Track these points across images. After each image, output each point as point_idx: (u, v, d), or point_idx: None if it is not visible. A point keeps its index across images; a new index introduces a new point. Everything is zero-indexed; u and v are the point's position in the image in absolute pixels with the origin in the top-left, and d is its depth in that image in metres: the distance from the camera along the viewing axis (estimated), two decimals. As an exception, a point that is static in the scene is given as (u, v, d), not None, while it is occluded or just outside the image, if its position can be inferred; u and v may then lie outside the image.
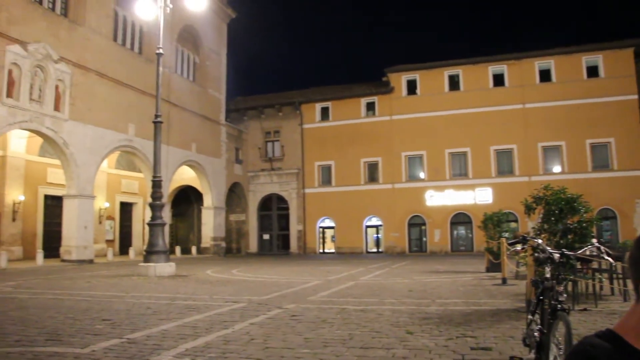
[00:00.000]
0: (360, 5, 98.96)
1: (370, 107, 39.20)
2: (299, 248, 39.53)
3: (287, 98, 41.72)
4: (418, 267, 20.15)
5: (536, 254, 4.41)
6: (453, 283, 12.45)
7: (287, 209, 40.44)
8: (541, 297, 4.19)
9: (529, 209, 9.31)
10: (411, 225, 37.56)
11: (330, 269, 18.52)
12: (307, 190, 39.83)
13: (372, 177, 38.74)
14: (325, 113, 40.32)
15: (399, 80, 38.11)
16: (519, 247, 5.22)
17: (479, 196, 35.55)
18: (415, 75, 37.91)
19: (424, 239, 37.21)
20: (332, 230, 39.92)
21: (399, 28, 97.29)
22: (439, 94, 37.09)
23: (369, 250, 38.63)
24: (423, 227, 37.21)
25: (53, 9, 24.29)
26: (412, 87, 38.17)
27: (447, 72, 37.21)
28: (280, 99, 42.00)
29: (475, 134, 35.74)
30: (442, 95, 37.05)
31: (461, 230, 36.80)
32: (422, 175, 37.54)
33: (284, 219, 40.84)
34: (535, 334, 4.08)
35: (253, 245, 40.79)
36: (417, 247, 37.44)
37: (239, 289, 11.04)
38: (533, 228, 8.23)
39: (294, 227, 39.94)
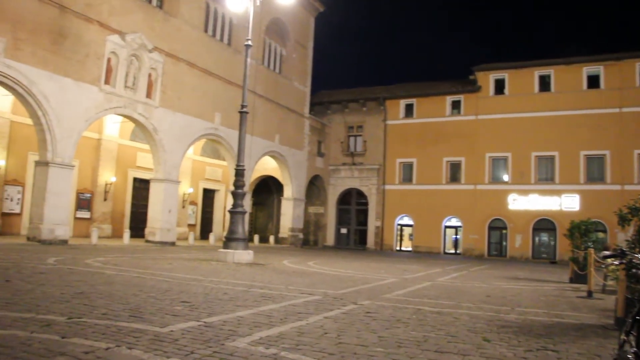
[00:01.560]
0: (447, 1, 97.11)
1: (456, 105, 38.45)
2: (376, 244, 39.41)
3: (371, 93, 41.59)
4: (497, 272, 19.62)
5: (634, 270, 4.09)
6: (534, 292, 12.04)
7: (366, 204, 40.40)
8: (638, 317, 3.90)
9: (623, 220, 8.76)
10: (491, 228, 36.63)
11: (407, 268, 18.34)
12: (387, 187, 39.62)
13: (454, 177, 38.03)
14: (409, 110, 39.92)
15: (487, 79, 37.17)
16: (615, 261, 4.85)
17: (565, 203, 34.19)
18: (504, 75, 36.85)
19: (504, 243, 36.20)
20: (410, 228, 39.56)
21: (486, 26, 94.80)
22: (528, 94, 35.88)
23: (447, 251, 37.98)
24: (504, 231, 36.21)
25: (149, 1, 25.23)
26: (500, 86, 37.13)
27: (537, 72, 35.93)
28: (365, 94, 41.91)
29: (564, 137, 34.35)
30: (532, 96, 35.82)
31: (544, 237, 35.53)
32: (505, 177, 36.50)
33: (363, 214, 40.82)
34: (629, 356, 3.76)
35: (330, 238, 41.01)
36: (497, 251, 36.48)
37: (314, 281, 11.11)
38: (627, 241, 7.75)
39: (372, 223, 39.84)
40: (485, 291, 11.27)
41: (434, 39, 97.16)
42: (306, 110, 38.02)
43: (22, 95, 19.43)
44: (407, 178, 39.41)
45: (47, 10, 20.00)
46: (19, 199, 24.12)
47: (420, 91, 39.87)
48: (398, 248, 39.51)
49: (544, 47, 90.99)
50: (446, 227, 38.19)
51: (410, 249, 38.97)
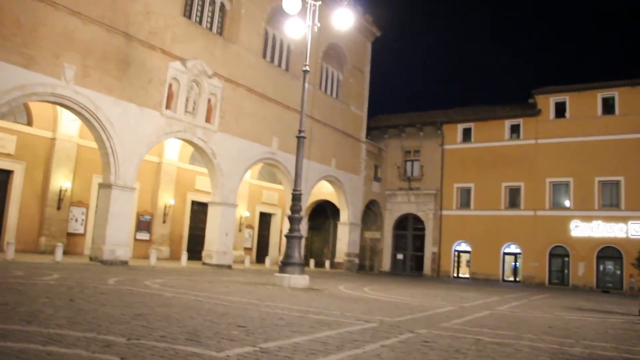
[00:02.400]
0: (503, 25, 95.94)
1: (515, 129, 37.69)
2: (433, 271, 38.76)
3: (428, 117, 41.31)
4: (559, 301, 18.91)
5: None
6: (600, 324, 11.50)
7: (422, 229, 39.87)
8: None
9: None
10: (552, 255, 35.47)
11: (465, 295, 17.90)
12: (445, 212, 39.02)
13: (513, 203, 37.13)
14: (467, 134, 39.39)
15: (547, 102, 36.35)
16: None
17: (633, 230, 32.81)
18: (565, 97, 35.94)
19: (566, 271, 34.96)
20: (467, 254, 38.75)
21: (543, 48, 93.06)
22: (591, 117, 34.84)
23: (506, 278, 36.96)
24: (566, 259, 35.01)
25: (210, 29, 25.90)
26: (560, 109, 36.20)
27: (600, 95, 34.87)
28: (422, 118, 41.65)
29: (630, 161, 33.12)
30: (594, 119, 34.76)
31: (609, 266, 34.12)
32: (567, 203, 35.39)
33: (419, 240, 40.28)
34: None
35: (386, 264, 40.59)
36: (558, 279, 35.25)
37: (371, 307, 10.95)
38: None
39: (429, 249, 39.25)
40: (548, 322, 10.83)
41: (492, 62, 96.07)
42: (363, 134, 38.02)
43: (89, 120, 20.18)
44: (465, 203, 38.73)
45: (114, 39, 20.80)
46: (83, 219, 24.93)
47: (478, 115, 39.33)
48: (455, 275, 38.72)
49: (606, 69, 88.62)
50: (505, 253, 37.23)
51: (467, 275, 38.13)
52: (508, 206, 37.15)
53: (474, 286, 27.10)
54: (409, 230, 40.91)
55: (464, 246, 38.73)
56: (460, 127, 39.52)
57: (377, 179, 40.28)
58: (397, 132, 41.58)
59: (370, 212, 40.19)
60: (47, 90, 18.65)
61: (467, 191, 38.73)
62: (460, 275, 38.84)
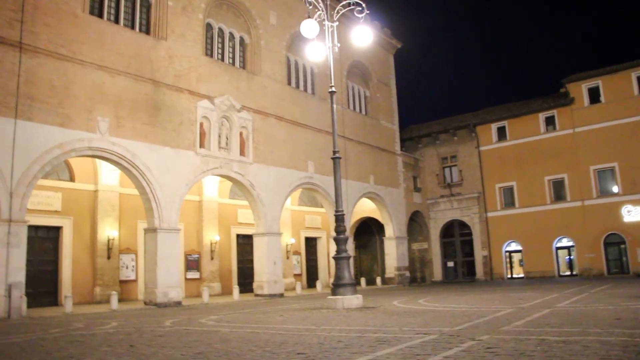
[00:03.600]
0: (524, 18, 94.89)
1: (550, 121, 36.99)
2: (485, 274, 38.06)
3: (461, 121, 40.97)
4: (621, 291, 18.30)
5: None
6: (669, 308, 11.08)
7: (470, 234, 39.31)
8: None
9: None
10: (608, 244, 34.44)
11: (522, 296, 17.49)
12: (490, 214, 38.42)
13: (559, 196, 36.31)
14: (502, 133, 38.85)
15: (579, 89, 35.62)
16: None
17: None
18: (597, 82, 35.14)
19: (624, 259, 33.86)
20: (519, 254, 37.96)
21: (567, 35, 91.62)
22: (627, 98, 33.94)
23: (562, 273, 36.02)
24: (622, 246, 33.95)
25: (233, 64, 26.32)
26: (594, 95, 35.39)
27: (634, 74, 33.95)
28: (454, 122, 41.33)
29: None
30: (631, 100, 33.84)
31: (670, 248, 32.95)
32: (615, 189, 34.41)
33: (468, 245, 39.69)
34: None
35: (437, 273, 40.08)
36: (617, 268, 34.15)
37: (427, 319, 10.79)
38: None
39: (479, 253, 38.63)
40: (613, 313, 10.48)
41: (518, 57, 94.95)
42: (397, 147, 37.89)
43: (127, 168, 20.65)
44: (509, 202, 38.07)
45: (143, 87, 21.33)
46: (133, 266, 25.38)
47: (511, 112, 38.78)
48: (509, 276, 37.93)
49: (637, 46, 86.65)
50: (557, 248, 36.33)
51: (522, 275, 37.31)
52: (554, 200, 36.33)
53: (530, 285, 26.50)
54: (456, 236, 40.38)
55: (514, 246, 37.98)
56: (494, 126, 39.03)
57: (417, 189, 39.98)
58: (431, 140, 41.31)
59: (415, 224, 39.85)
60: (85, 145, 19.20)
61: (509, 190, 38.08)
62: (514, 275, 38.03)
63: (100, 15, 21.08)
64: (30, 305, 18.00)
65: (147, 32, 22.62)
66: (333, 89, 15.98)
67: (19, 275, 17.07)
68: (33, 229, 20.40)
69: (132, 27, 22.19)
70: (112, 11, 21.71)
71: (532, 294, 18.46)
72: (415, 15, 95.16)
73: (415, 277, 39.14)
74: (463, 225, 39.80)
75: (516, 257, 38.45)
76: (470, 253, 39.42)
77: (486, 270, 38.16)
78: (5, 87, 17.42)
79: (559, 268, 36.08)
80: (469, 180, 39.53)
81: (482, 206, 38.74)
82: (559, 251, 36.43)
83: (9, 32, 17.67)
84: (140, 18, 22.61)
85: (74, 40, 19.40)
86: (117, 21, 21.67)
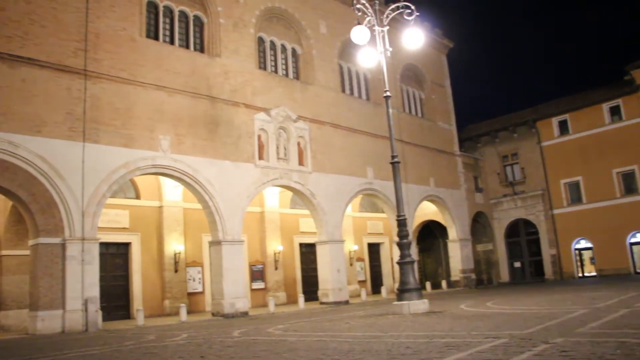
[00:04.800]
0: (579, 8, 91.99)
1: (615, 111, 35.59)
2: (555, 274, 36.93)
3: (520, 118, 40.02)
4: (703, 284, 17.44)
5: None
6: None
7: (536, 233, 38.27)
8: None
9: None
10: (687, 237, 32.84)
11: (595, 295, 16.90)
12: (556, 211, 37.29)
13: (629, 188, 34.85)
14: (563, 127, 37.65)
15: (646, 75, 34.12)
16: None
17: None
18: (665, 67, 33.59)
19: None
20: (589, 251, 36.65)
21: (629, 19, 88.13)
22: (699, 79, 32.26)
23: (638, 270, 34.53)
24: (703, 237, 32.29)
25: (287, 75, 26.65)
26: (662, 79, 33.85)
27: None
28: (513, 119, 40.42)
29: None
30: None
31: None
32: (691, 178, 32.81)
33: (535, 244, 38.64)
34: None
35: (504, 274, 39.19)
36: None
37: (497, 323, 10.59)
38: None
39: (547, 252, 37.54)
40: (696, 309, 10.01)
41: (575, 47, 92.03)
42: (456, 148, 37.38)
43: (189, 184, 21.23)
44: (576, 198, 36.83)
45: (200, 104, 21.90)
46: (200, 278, 25.94)
47: (572, 105, 37.58)
48: (580, 275, 36.66)
49: None
50: (632, 244, 34.84)
51: (594, 274, 36.01)
52: (624, 193, 34.91)
53: (603, 284, 25.57)
54: (522, 236, 39.40)
55: (584, 243, 36.71)
56: (555, 120, 37.91)
57: (478, 189, 39.29)
58: (490, 139, 40.55)
59: (478, 225, 39.14)
60: (148, 163, 19.88)
61: (575, 185, 36.85)
62: (585, 274, 36.75)
63: (157, 38, 21.80)
64: (104, 318, 18.75)
65: (202, 50, 23.23)
66: (388, 93, 15.94)
67: (94, 290, 17.83)
68: (104, 245, 21.17)
69: (187, 46, 22.83)
70: (167, 33, 22.41)
71: (606, 293, 17.82)
72: (465, 12, 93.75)
73: (482, 279, 38.39)
74: (528, 224, 38.80)
75: (587, 255, 37.15)
76: (538, 252, 38.35)
77: (555, 270, 37.02)
78: (74, 113, 18.26)
79: (634, 265, 34.58)
80: (531, 178, 38.53)
81: (547, 203, 37.67)
82: (634, 247, 34.93)
83: (74, 61, 18.55)
84: (194, 37, 23.23)
85: (133, 63, 20.14)
86: (172, 42, 22.34)
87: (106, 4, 19.79)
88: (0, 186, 16.87)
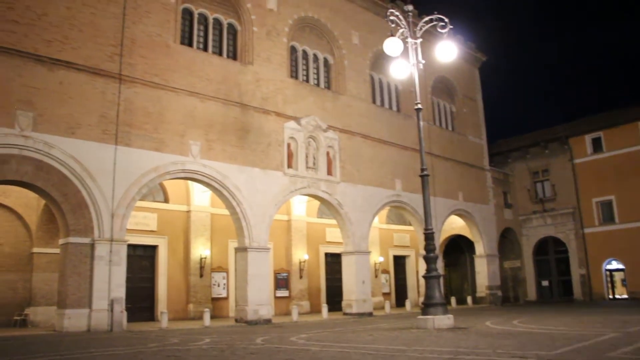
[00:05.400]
0: (614, 23, 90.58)
1: (651, 130, 34.82)
2: (584, 294, 36.18)
3: (552, 134, 39.44)
4: None
5: None
6: None
7: (565, 251, 37.59)
8: None
9: None
10: None
11: (627, 319, 16.51)
12: (587, 230, 36.59)
13: (665, 210, 34.00)
14: (597, 144, 36.98)
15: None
16: None
17: None
18: None
19: None
20: (621, 272, 35.85)
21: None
22: None
23: (672, 294, 33.57)
24: None
25: (318, 84, 26.74)
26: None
27: None
28: (545, 135, 39.84)
29: None
30: None
31: None
32: None
33: (564, 263, 37.95)
34: None
35: (531, 292, 38.56)
36: None
37: (523, 342, 10.41)
38: None
39: (576, 272, 36.82)
40: None
41: (611, 63, 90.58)
42: (486, 162, 37.02)
43: (218, 189, 21.40)
44: (608, 218, 36.09)
45: (231, 111, 22.10)
46: (224, 284, 26.07)
47: (606, 122, 36.89)
48: (610, 296, 35.88)
49: None
50: (666, 267, 33.98)
51: (625, 296, 35.19)
52: (659, 214, 34.07)
53: (635, 307, 24.99)
54: (551, 254, 38.76)
55: (615, 264, 35.93)
56: (588, 137, 37.27)
57: (507, 205, 38.81)
58: (520, 155, 40.08)
59: (506, 241, 38.64)
60: (178, 168, 20.10)
61: (608, 204, 36.11)
62: (616, 296, 35.97)
63: (190, 44, 22.08)
64: (129, 319, 18.93)
65: (234, 57, 23.46)
66: (419, 105, 15.88)
67: (120, 291, 18.05)
68: (132, 247, 21.38)
69: (220, 53, 23.07)
70: (201, 40, 22.69)
71: (639, 317, 17.41)
72: (499, 26, 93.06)
73: (508, 296, 37.83)
74: (558, 242, 38.15)
75: (618, 277, 36.38)
76: (567, 272, 37.64)
77: (584, 290, 36.28)
78: (107, 116, 18.58)
79: (668, 288, 33.70)
80: (562, 195, 37.92)
81: (578, 222, 36.99)
82: (667, 270, 34.05)
83: (110, 65, 18.90)
84: (228, 45, 23.47)
85: (166, 69, 20.42)
86: (205, 49, 22.61)
87: (142, 10, 20.15)
88: (35, 185, 17.23)
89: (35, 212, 22.93)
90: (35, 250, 22.65)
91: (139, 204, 20.65)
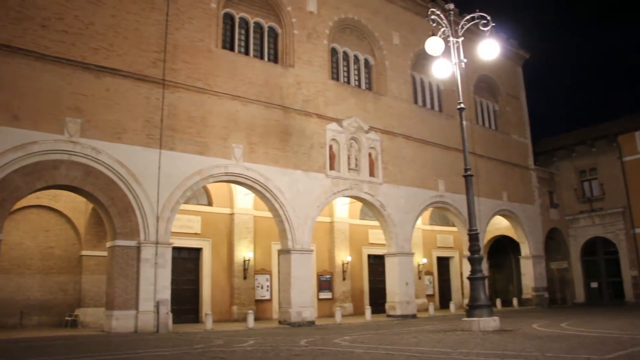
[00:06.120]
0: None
1: None
2: (636, 296, 35.07)
3: (599, 131, 38.40)
4: None
5: None
6: None
7: (615, 252, 36.52)
8: None
9: None
10: None
11: (681, 320, 15.97)
12: (638, 230, 35.49)
13: None
14: (648, 141, 35.83)
15: None
16: None
17: None
18: None
19: None
20: (674, 273, 34.67)
21: None
22: None
23: None
24: None
25: (359, 86, 26.69)
26: None
27: None
28: (592, 133, 38.82)
29: None
30: None
31: None
32: None
33: (614, 264, 36.84)
34: None
35: (579, 294, 37.61)
36: None
37: (573, 345, 10.15)
38: None
39: (627, 273, 35.71)
40: None
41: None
42: (530, 162, 36.32)
43: (261, 192, 21.58)
44: (660, 217, 34.92)
45: (273, 114, 22.26)
46: (268, 286, 26.24)
47: (658, 118, 35.78)
48: (665, 298, 34.73)
49: None
50: None
51: (680, 297, 34.04)
52: None
53: (689, 308, 24.13)
54: (599, 255, 37.71)
55: (668, 265, 34.79)
56: (638, 134, 36.17)
57: (553, 205, 37.97)
58: (566, 153, 39.16)
59: (552, 241, 37.80)
60: (221, 171, 20.35)
61: (660, 203, 34.96)
62: (670, 297, 34.82)
63: (232, 49, 22.34)
64: (174, 321, 19.25)
65: (275, 61, 23.62)
66: (462, 105, 15.69)
67: (165, 293, 18.37)
68: (176, 250, 21.71)
69: (261, 57, 23.26)
70: (242, 44, 22.93)
71: (693, 318, 16.80)
72: (542, 21, 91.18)
73: (555, 298, 37.00)
74: (607, 242, 37.11)
75: (671, 277, 35.19)
76: (617, 273, 36.56)
77: (637, 292, 35.16)
78: (152, 121, 18.95)
79: None
80: (611, 194, 36.87)
81: (629, 222, 35.91)
82: None
83: (153, 71, 19.27)
84: (269, 48, 23.66)
85: (209, 73, 20.71)
86: (247, 53, 22.84)
87: (185, 16, 20.48)
88: (83, 190, 17.69)
89: (83, 215, 23.54)
90: (84, 252, 23.26)
91: (183, 207, 20.96)
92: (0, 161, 15.95)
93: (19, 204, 19.44)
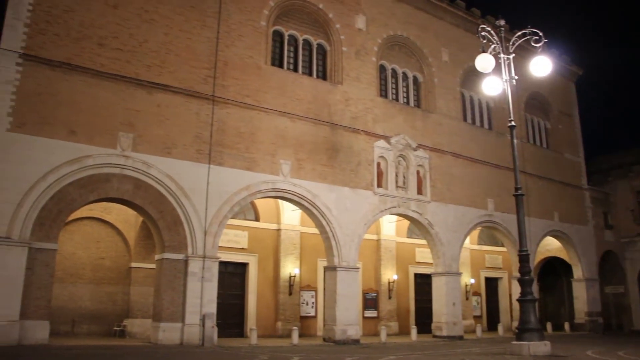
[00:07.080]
0: None
1: None
2: (699, 324, 33.47)
3: (658, 151, 37.05)
4: None
5: None
6: None
7: (676, 277, 35.00)
8: None
9: None
10: None
11: None
12: (699, 254, 33.94)
13: None
14: None
15: None
16: None
17: None
18: None
19: None
20: None
21: None
22: None
23: None
24: None
25: (407, 103, 26.54)
26: None
27: None
28: (650, 152, 37.50)
29: None
30: None
31: None
32: None
33: (674, 290, 35.32)
34: None
35: (637, 321, 36.08)
36: None
37: (628, 372, 9.72)
38: None
39: (689, 299, 34.14)
40: None
41: None
42: (583, 181, 35.29)
43: (308, 208, 21.62)
44: None
45: (321, 131, 22.33)
46: (313, 302, 26.15)
47: None
48: None
49: None
50: None
51: None
52: None
53: None
54: (659, 279, 36.24)
55: None
56: (700, 154, 34.75)
57: (608, 226, 36.73)
58: (623, 172, 37.88)
59: (607, 264, 36.50)
60: (269, 187, 20.50)
61: None
62: None
63: (281, 66, 22.57)
64: (219, 334, 19.35)
65: (324, 77, 23.73)
66: (512, 123, 15.39)
67: (211, 307, 18.52)
68: (223, 264, 21.88)
69: (310, 74, 23.41)
70: (291, 61, 23.14)
71: None
72: (595, 37, 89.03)
73: (610, 324, 35.63)
74: (667, 266, 35.65)
75: None
76: (678, 299, 35.05)
77: (700, 319, 33.58)
78: (201, 136, 19.27)
79: None
80: (671, 217, 35.46)
81: (691, 245, 34.40)
82: None
83: (204, 87, 19.65)
84: (317, 65, 23.80)
85: (258, 90, 20.96)
86: (295, 70, 23.03)
87: (235, 33, 20.83)
88: (134, 203, 18.07)
89: (133, 228, 24.03)
90: (133, 264, 23.71)
91: (231, 221, 21.14)
92: (57, 174, 16.48)
93: (72, 216, 19.95)
